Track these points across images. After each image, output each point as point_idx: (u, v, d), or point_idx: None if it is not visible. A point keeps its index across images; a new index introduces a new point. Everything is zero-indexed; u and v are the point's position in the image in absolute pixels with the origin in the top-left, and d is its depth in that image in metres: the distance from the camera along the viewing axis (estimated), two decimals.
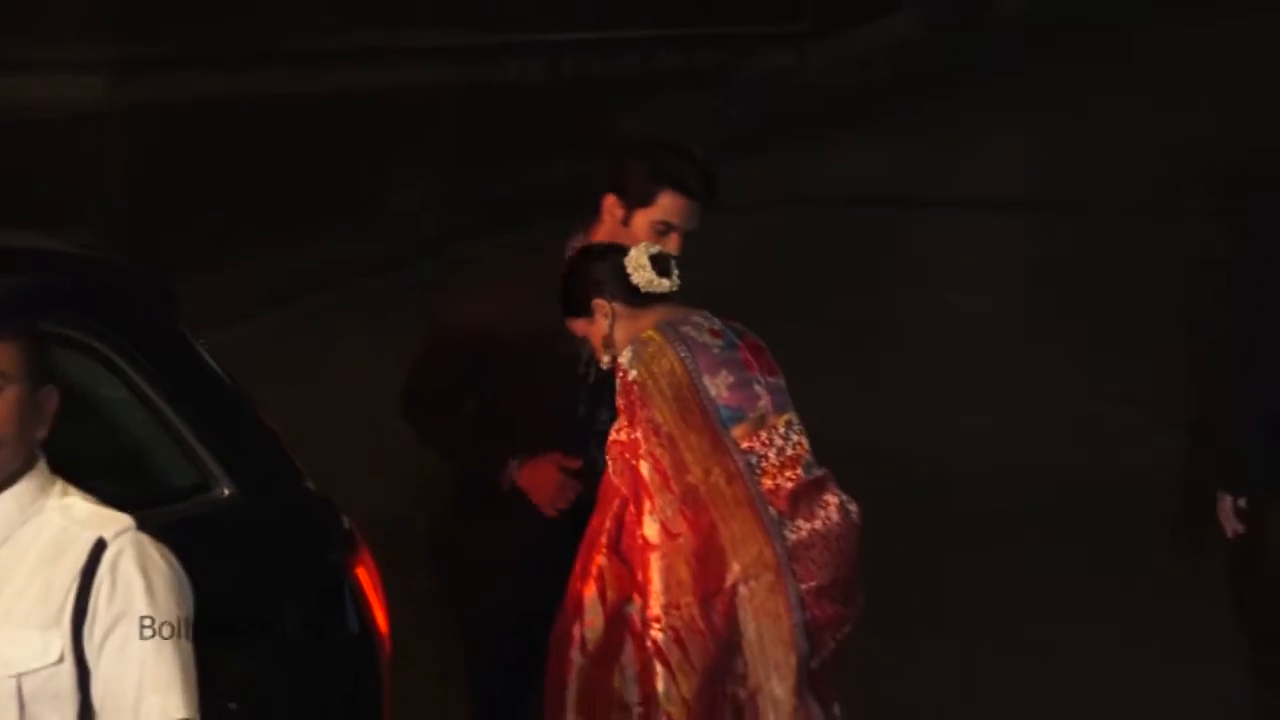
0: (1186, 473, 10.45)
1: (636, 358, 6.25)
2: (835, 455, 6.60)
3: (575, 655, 6.30)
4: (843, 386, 10.85)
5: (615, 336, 6.30)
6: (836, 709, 6.33)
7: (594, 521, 6.34)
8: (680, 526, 6.14)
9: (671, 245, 6.45)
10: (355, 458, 10.50)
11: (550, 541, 6.59)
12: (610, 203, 6.55)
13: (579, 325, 6.38)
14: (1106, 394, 11.70)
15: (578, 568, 6.33)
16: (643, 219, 6.50)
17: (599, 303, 6.29)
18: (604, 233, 6.61)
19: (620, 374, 6.25)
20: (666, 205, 6.49)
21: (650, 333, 6.29)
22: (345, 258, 13.39)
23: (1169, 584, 9.41)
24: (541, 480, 6.73)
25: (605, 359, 6.35)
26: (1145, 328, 12.44)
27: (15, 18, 12.97)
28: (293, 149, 13.66)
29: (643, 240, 6.44)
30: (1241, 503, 7.45)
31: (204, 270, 12.56)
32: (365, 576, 5.93)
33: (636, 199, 6.52)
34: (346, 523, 5.97)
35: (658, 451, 6.18)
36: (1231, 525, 7.47)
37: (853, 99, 16.09)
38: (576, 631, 6.29)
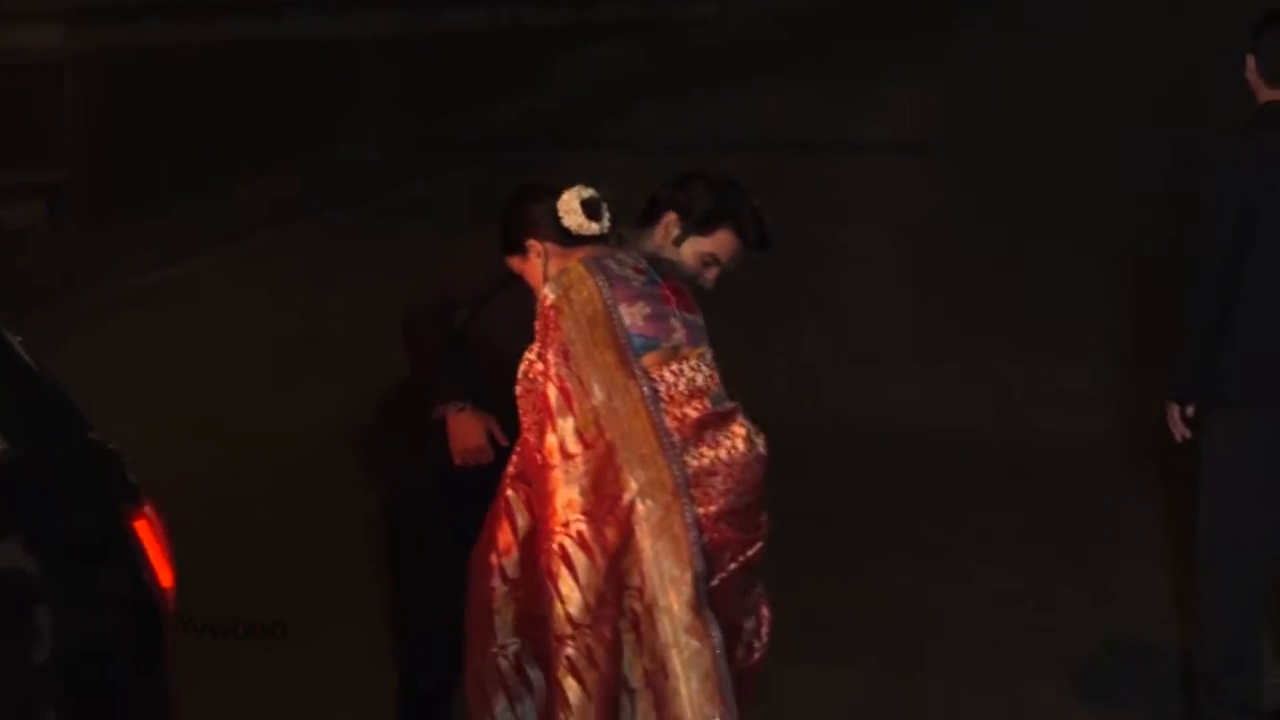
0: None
1: (556, 284, 6.32)
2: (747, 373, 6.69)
3: (497, 584, 6.35)
4: (753, 306, 10.60)
5: (549, 274, 6.40)
6: (753, 625, 6.43)
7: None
8: (577, 447, 6.22)
9: (711, 276, 6.63)
10: (321, 368, 10.75)
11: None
12: (669, 219, 6.60)
13: (515, 262, 6.51)
14: (988, 325, 11.78)
15: (493, 504, 6.41)
16: (695, 245, 6.62)
17: (532, 243, 6.43)
18: (657, 240, 6.65)
19: (541, 299, 6.35)
20: (721, 241, 6.61)
21: (574, 263, 6.37)
22: (308, 193, 13.74)
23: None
24: (467, 433, 6.93)
25: (545, 294, 6.37)
26: (1036, 251, 12.57)
27: None
28: (259, 92, 13.91)
29: (690, 262, 6.57)
30: (1189, 410, 7.47)
31: (181, 202, 13.16)
32: (147, 530, 5.78)
33: (696, 226, 6.62)
34: (131, 476, 5.81)
35: (564, 373, 6.26)
36: (1180, 431, 7.51)
37: (767, 49, 16.30)
38: (494, 561, 6.35)
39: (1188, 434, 7.56)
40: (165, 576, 5.78)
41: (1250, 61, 7.50)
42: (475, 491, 6.66)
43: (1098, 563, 9.18)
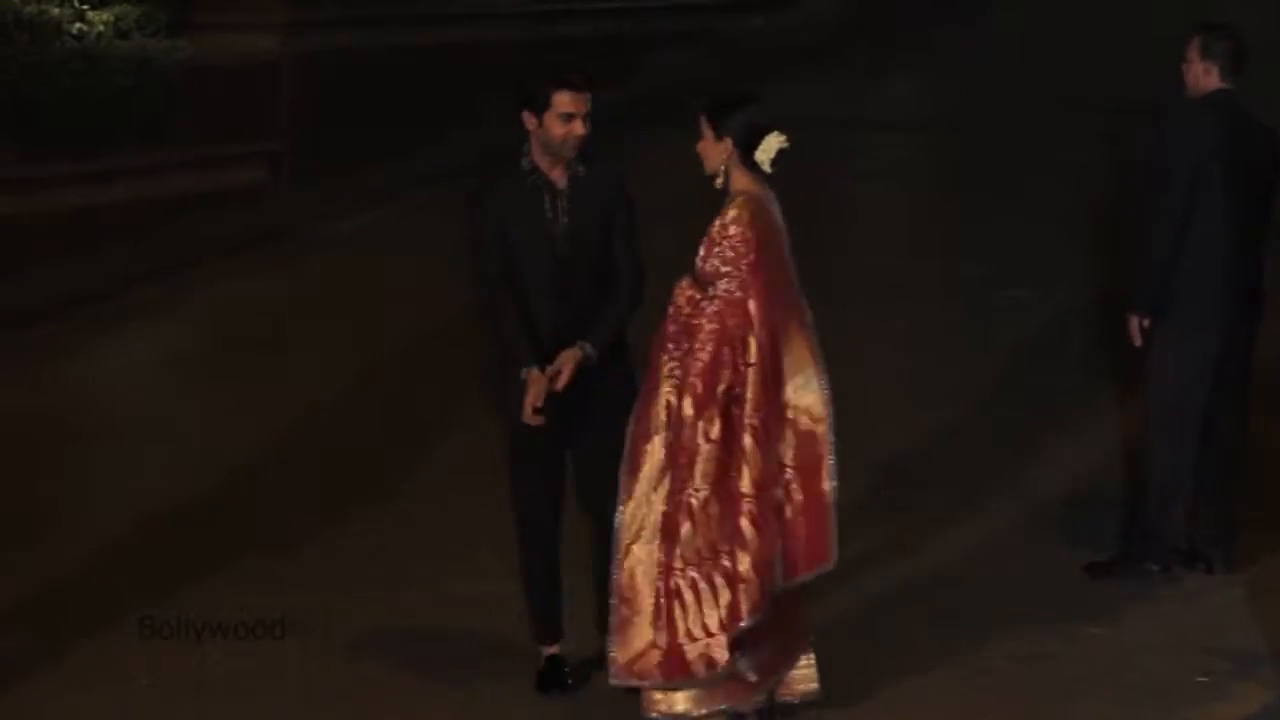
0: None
1: (743, 218, 6.00)
2: None
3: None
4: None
5: (724, 166, 6.07)
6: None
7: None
8: (760, 355, 6.03)
9: (578, 129, 6.29)
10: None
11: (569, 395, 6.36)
12: (526, 117, 6.34)
13: (703, 139, 6.12)
14: (978, 256, 11.54)
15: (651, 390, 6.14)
16: (550, 117, 6.29)
17: (726, 139, 6.09)
18: (534, 140, 6.34)
19: (726, 223, 6.02)
20: (562, 100, 6.29)
21: (748, 198, 6.05)
22: (453, 162, 13.20)
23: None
24: (531, 394, 6.32)
25: (734, 229, 6.07)
26: (1004, 212, 12.27)
27: None
28: (419, 84, 13.74)
29: (556, 136, 6.25)
30: (1145, 322, 7.46)
31: (364, 168, 13.01)
32: None
33: (541, 106, 6.29)
34: None
35: (764, 295, 6.01)
36: (1137, 337, 7.49)
37: (799, 51, 16.11)
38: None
39: (1140, 341, 7.51)
40: None
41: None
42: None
43: (1063, 432, 9.08)
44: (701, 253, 6.13)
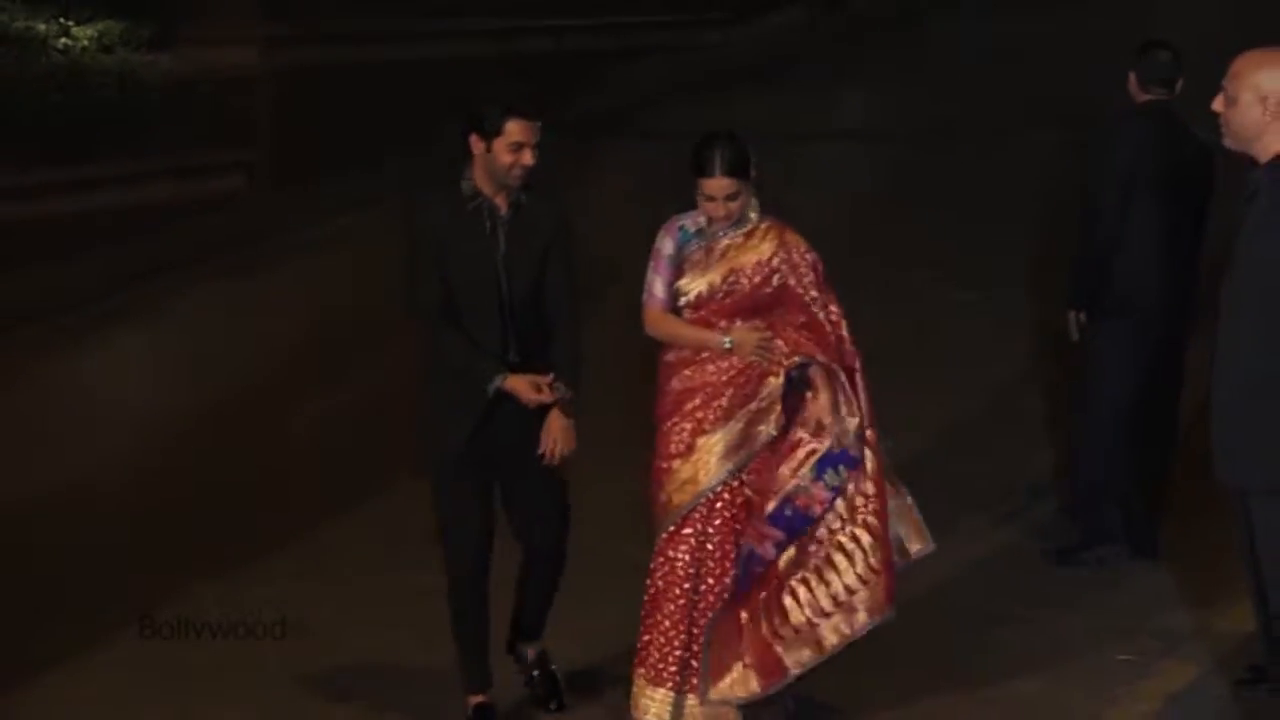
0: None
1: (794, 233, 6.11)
2: None
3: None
4: None
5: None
6: None
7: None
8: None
9: (526, 158, 6.09)
10: None
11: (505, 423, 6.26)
12: (473, 140, 6.14)
13: (736, 198, 6.04)
14: (926, 262, 11.57)
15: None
16: (500, 144, 6.07)
17: (753, 174, 6.09)
18: (478, 164, 6.15)
19: (812, 255, 6.15)
20: (514, 129, 6.08)
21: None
22: (420, 173, 13.15)
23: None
24: (523, 387, 6.19)
25: (731, 217, 6.09)
26: (955, 219, 12.25)
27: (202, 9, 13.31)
28: (389, 98, 13.83)
29: (504, 164, 6.06)
30: (1082, 316, 7.58)
31: (331, 173, 13.05)
32: None
33: (492, 132, 6.09)
34: None
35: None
36: (1074, 333, 7.64)
37: (758, 64, 16.17)
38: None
39: (1076, 336, 7.69)
40: None
41: (1131, 75, 7.74)
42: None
43: (1009, 426, 9.23)
44: (759, 277, 6.18)
